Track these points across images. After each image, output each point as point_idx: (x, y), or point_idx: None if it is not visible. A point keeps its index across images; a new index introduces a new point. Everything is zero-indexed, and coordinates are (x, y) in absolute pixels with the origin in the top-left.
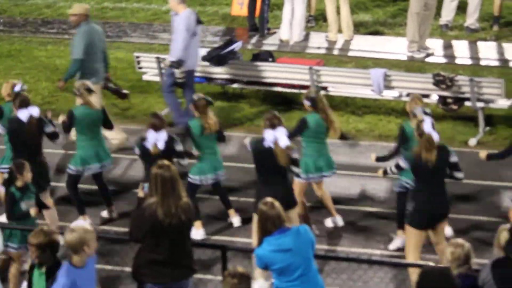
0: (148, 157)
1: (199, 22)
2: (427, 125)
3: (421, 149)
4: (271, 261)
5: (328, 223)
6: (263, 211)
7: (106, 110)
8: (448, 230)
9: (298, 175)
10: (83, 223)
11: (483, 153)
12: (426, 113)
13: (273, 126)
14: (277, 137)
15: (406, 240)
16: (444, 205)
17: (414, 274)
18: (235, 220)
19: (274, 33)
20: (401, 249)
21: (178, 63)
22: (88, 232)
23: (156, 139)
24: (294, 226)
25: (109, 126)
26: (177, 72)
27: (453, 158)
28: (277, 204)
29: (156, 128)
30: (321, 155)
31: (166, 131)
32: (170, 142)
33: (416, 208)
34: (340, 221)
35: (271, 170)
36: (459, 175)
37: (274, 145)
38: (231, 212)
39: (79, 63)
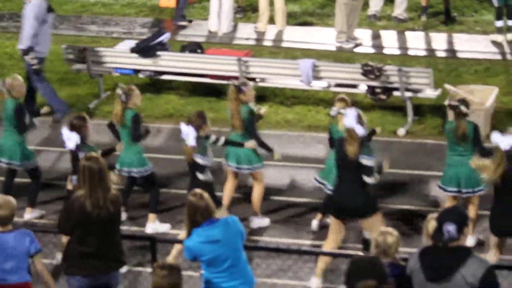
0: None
1: (50, 10)
2: (348, 118)
3: (345, 141)
4: (200, 252)
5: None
6: (192, 202)
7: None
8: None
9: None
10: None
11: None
12: (353, 105)
13: (190, 122)
14: (188, 134)
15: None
16: (355, 200)
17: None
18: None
19: (190, 22)
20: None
21: (27, 50)
22: None
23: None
24: (223, 217)
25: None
26: (30, 60)
27: (365, 161)
28: (206, 195)
29: (74, 128)
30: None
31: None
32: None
33: (331, 196)
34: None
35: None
36: (367, 179)
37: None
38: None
39: None
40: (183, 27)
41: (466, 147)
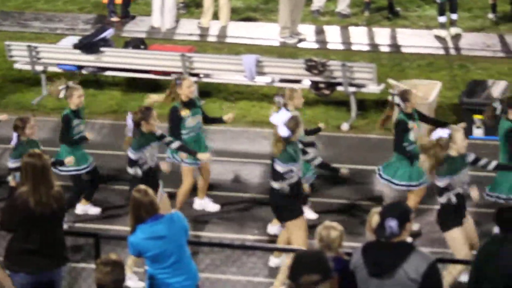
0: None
1: None
2: (277, 117)
3: None
4: (144, 249)
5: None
6: (136, 198)
7: None
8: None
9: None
10: None
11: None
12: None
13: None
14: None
15: None
16: (272, 199)
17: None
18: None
19: (133, 17)
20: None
21: None
22: None
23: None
24: (168, 213)
25: None
26: None
27: (278, 166)
28: (150, 191)
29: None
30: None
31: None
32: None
33: None
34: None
35: None
36: (273, 184)
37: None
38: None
39: None
40: (115, 23)
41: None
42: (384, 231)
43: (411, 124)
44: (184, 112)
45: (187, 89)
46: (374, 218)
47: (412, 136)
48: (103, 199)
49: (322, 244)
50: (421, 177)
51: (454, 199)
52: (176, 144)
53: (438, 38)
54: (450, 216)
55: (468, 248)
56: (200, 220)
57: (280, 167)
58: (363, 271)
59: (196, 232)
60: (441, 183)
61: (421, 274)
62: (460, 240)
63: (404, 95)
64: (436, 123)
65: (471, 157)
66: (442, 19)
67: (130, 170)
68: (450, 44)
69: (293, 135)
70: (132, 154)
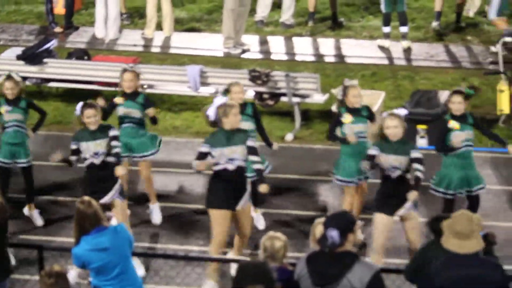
0: None
1: None
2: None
3: None
4: (88, 260)
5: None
6: (80, 210)
7: None
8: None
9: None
10: None
11: None
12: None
13: None
14: None
15: None
16: None
17: None
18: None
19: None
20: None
21: None
22: None
23: None
24: (112, 225)
25: None
26: None
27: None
28: (94, 202)
29: None
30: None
31: None
32: None
33: None
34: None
35: None
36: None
37: None
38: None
39: None
40: (58, 34)
41: None
42: (326, 241)
43: (347, 117)
44: None
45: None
46: (318, 228)
47: (346, 129)
48: (47, 210)
49: (266, 255)
50: (353, 175)
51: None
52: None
53: (382, 48)
54: (380, 200)
55: (384, 239)
56: (145, 231)
57: (202, 147)
58: (307, 281)
59: (141, 243)
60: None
61: (365, 284)
62: (378, 228)
63: (344, 90)
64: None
65: (414, 154)
66: (387, 29)
67: None
68: (394, 54)
69: (219, 122)
70: None
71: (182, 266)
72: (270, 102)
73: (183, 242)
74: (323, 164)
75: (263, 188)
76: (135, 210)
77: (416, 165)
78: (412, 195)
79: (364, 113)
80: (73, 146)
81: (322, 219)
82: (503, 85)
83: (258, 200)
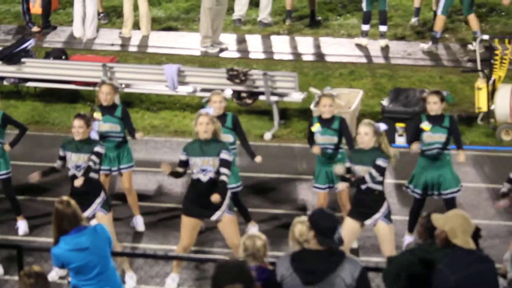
0: None
1: None
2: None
3: None
4: (68, 260)
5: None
6: (59, 210)
7: None
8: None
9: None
10: None
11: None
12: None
13: None
14: None
15: None
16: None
17: None
18: None
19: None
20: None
21: None
22: None
23: None
24: (91, 225)
25: None
26: None
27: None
28: (73, 202)
29: None
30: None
31: None
32: None
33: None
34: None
35: None
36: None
37: None
38: None
39: None
40: (36, 33)
41: None
42: (332, 240)
43: (315, 126)
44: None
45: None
46: (297, 227)
47: (315, 137)
48: (26, 210)
49: (247, 254)
50: (322, 182)
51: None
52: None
53: (359, 46)
54: (352, 206)
55: (347, 242)
56: (124, 230)
57: (180, 154)
58: (294, 280)
59: (120, 243)
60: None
61: (355, 278)
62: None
63: (319, 98)
64: None
65: (380, 161)
66: (365, 27)
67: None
68: (372, 52)
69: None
70: None
71: (161, 266)
72: (248, 101)
73: (163, 242)
74: (302, 163)
75: (214, 197)
76: (114, 209)
77: (372, 172)
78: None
79: (335, 125)
80: (61, 153)
81: (302, 218)
82: (480, 83)
83: (245, 214)
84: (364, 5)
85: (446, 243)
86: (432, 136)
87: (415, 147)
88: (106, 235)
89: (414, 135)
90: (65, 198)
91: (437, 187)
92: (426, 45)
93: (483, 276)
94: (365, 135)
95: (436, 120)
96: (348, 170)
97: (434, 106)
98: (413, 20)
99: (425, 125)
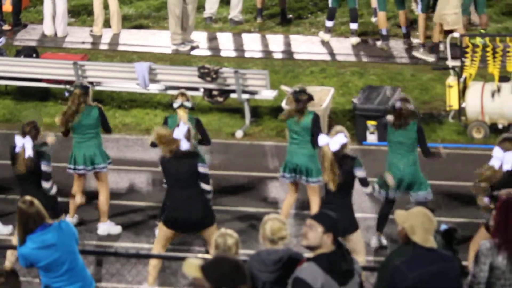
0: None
1: None
2: (178, 131)
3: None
4: (35, 259)
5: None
6: (23, 210)
7: None
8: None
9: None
10: None
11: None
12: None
13: (23, 134)
14: (24, 145)
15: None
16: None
17: None
18: None
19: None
20: (176, 243)
21: None
22: None
23: None
24: (55, 222)
25: None
26: None
27: (202, 169)
28: (36, 201)
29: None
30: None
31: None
32: None
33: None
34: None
35: None
36: (205, 186)
37: (20, 151)
38: None
39: None
40: (6, 31)
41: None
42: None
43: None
44: None
45: None
46: (268, 224)
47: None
48: None
49: (218, 251)
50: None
51: None
52: None
53: (325, 43)
54: None
55: None
56: (95, 229)
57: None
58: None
59: (92, 242)
60: None
61: (360, 270)
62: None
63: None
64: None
65: (359, 172)
66: (329, 23)
67: (48, 184)
68: (343, 50)
69: None
70: (46, 167)
71: (133, 264)
72: (220, 99)
73: (134, 240)
74: (273, 160)
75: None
76: (86, 207)
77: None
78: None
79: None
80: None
81: (272, 215)
82: (452, 81)
83: None
84: (330, 1)
85: (406, 240)
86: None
87: (390, 179)
88: (72, 231)
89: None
90: (27, 198)
91: (405, 188)
92: (379, 43)
93: (442, 275)
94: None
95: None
96: None
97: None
98: (374, 19)
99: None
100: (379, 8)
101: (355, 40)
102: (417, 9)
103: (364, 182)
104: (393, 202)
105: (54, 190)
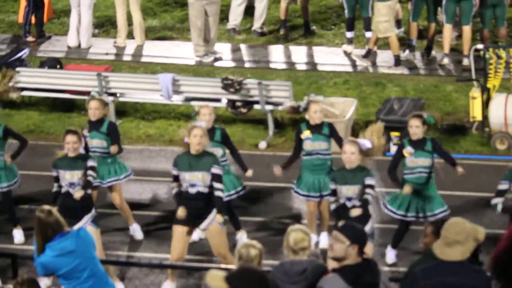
0: None
1: None
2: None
3: None
4: (56, 267)
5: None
6: (41, 219)
7: None
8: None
9: None
10: None
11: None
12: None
13: None
14: None
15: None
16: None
17: None
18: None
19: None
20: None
21: None
22: None
23: None
24: (73, 229)
25: None
26: None
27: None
28: (54, 210)
29: None
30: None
31: None
32: None
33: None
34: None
35: None
36: (218, 185)
37: None
38: None
39: None
40: (30, 42)
41: None
42: None
43: (304, 133)
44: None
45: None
46: (291, 235)
47: (305, 145)
48: (23, 219)
49: (241, 262)
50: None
51: (333, 206)
52: None
53: (347, 54)
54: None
55: None
56: (119, 239)
57: (172, 169)
58: None
59: (115, 252)
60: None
61: (387, 282)
62: None
63: (307, 104)
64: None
65: (368, 181)
66: (349, 34)
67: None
68: (366, 61)
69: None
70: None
71: (156, 274)
72: (243, 110)
73: (157, 250)
74: (296, 171)
75: (218, 218)
76: (110, 218)
77: (367, 190)
78: (354, 211)
79: (325, 131)
80: (54, 174)
81: (296, 226)
82: (475, 92)
83: (236, 222)
84: (346, 12)
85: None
86: (415, 161)
87: (407, 189)
88: (90, 238)
89: (395, 161)
90: (46, 207)
91: (421, 211)
92: (403, 53)
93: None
94: (351, 154)
95: (418, 145)
96: (333, 192)
97: (416, 130)
98: (397, 31)
99: (406, 152)
100: (412, 18)
101: (349, 48)
102: (443, 20)
103: (370, 187)
104: (409, 224)
105: None
